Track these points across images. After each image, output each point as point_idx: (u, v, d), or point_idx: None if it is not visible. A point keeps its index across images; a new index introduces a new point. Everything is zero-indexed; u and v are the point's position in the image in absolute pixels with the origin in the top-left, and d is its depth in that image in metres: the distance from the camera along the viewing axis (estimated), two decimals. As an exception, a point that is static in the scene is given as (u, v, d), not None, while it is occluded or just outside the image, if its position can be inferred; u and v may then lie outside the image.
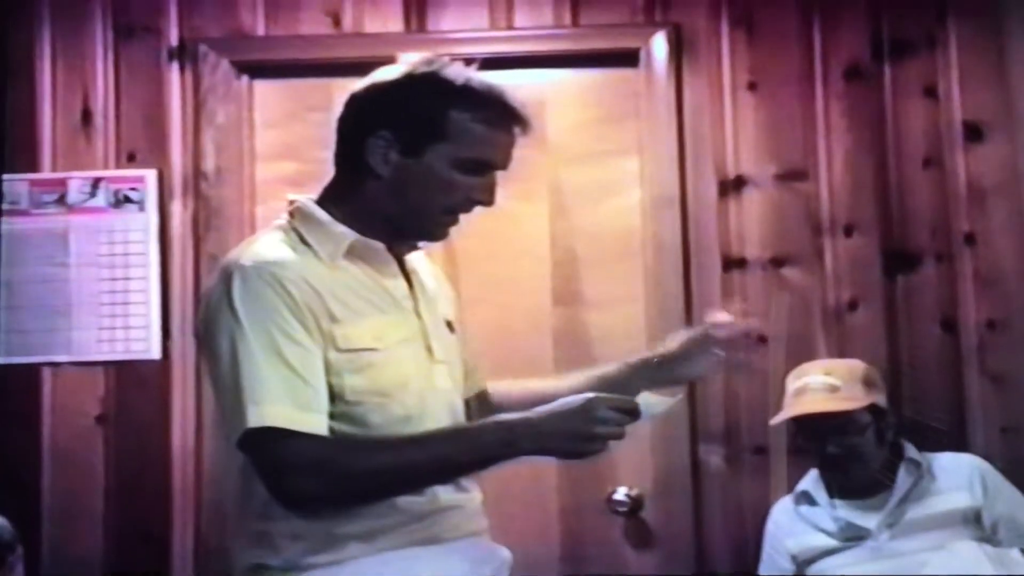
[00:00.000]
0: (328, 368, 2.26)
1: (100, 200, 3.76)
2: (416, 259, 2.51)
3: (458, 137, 2.33)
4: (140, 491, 3.70)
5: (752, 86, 3.81)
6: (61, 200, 3.76)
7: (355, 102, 2.39)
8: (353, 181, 2.39)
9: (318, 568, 2.25)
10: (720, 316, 2.60)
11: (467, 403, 2.57)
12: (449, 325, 2.53)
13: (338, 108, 2.42)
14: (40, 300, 3.72)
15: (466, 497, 2.42)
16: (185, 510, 3.68)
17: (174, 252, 3.76)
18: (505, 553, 2.46)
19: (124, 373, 3.74)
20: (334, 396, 2.27)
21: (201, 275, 3.72)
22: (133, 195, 3.76)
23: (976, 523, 3.31)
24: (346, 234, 2.35)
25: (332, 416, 2.26)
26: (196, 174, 3.77)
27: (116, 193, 3.76)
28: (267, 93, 3.86)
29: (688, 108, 3.79)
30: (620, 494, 3.68)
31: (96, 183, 3.77)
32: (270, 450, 2.20)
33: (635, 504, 3.69)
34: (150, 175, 3.77)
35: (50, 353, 3.72)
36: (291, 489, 2.22)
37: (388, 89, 2.37)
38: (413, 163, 2.33)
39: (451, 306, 2.60)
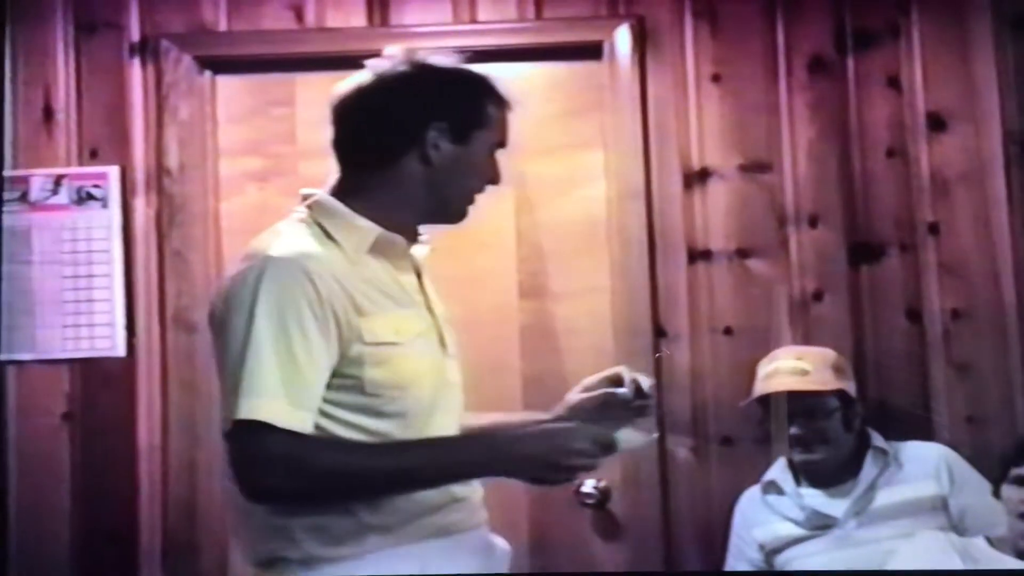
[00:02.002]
0: (352, 361, 2.30)
1: (63, 197, 3.74)
2: (422, 254, 2.54)
3: (491, 123, 2.48)
4: (107, 489, 3.69)
5: (716, 78, 3.81)
6: (23, 198, 3.73)
7: (397, 97, 2.44)
8: (382, 172, 2.43)
9: (338, 561, 2.29)
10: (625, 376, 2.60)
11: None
12: (448, 320, 2.57)
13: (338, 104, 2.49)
14: (3, 298, 3.69)
15: (471, 489, 2.46)
16: (152, 508, 3.67)
17: (137, 249, 3.74)
18: (505, 545, 2.54)
19: (89, 370, 3.72)
20: (354, 388, 2.31)
21: (165, 271, 3.71)
22: (96, 192, 3.74)
23: (943, 511, 3.33)
24: (371, 228, 2.39)
25: (350, 407, 2.31)
26: (159, 170, 3.75)
27: (79, 190, 3.74)
28: (230, 88, 3.85)
29: (652, 100, 3.79)
30: (588, 486, 3.68)
31: (58, 180, 3.75)
32: (249, 442, 2.23)
33: (603, 496, 3.69)
34: (113, 172, 3.75)
35: (14, 351, 3.70)
36: (257, 483, 2.25)
37: (435, 83, 2.45)
38: (461, 150, 2.44)
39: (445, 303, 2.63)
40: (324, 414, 2.30)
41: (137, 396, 3.70)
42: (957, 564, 3.06)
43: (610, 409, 2.56)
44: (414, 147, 2.42)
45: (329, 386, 2.30)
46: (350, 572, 2.29)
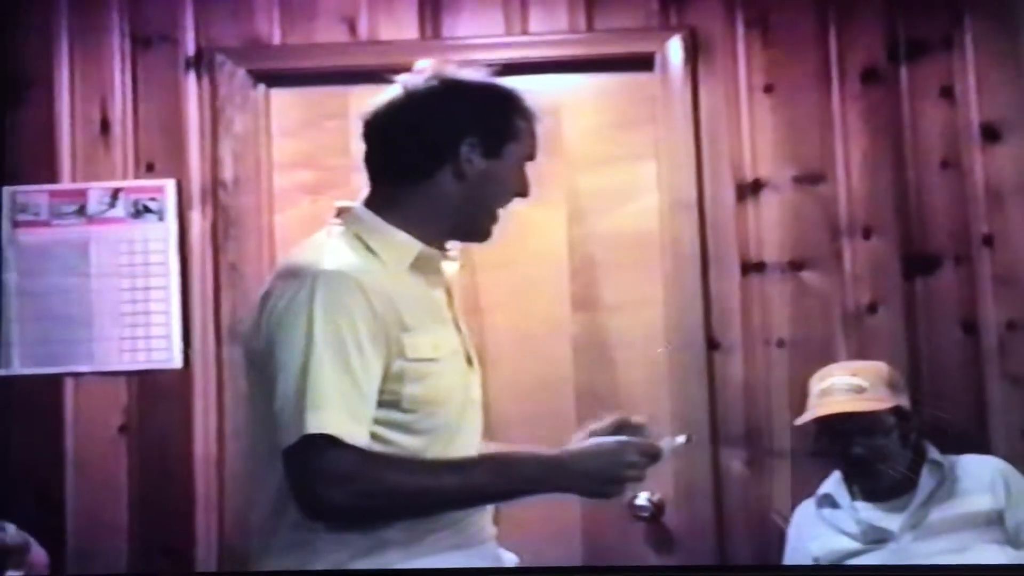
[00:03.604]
0: (393, 376, 2.30)
1: (119, 210, 3.77)
2: (451, 271, 2.55)
3: (521, 136, 2.48)
4: (163, 501, 3.71)
5: (768, 88, 3.80)
6: (81, 211, 3.77)
7: (430, 114, 2.44)
8: (415, 188, 2.43)
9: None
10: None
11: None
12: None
13: (385, 118, 2.47)
14: (61, 311, 3.73)
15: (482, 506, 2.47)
16: (208, 520, 3.69)
17: (193, 261, 3.77)
18: (514, 558, 2.58)
19: (146, 383, 3.75)
20: (392, 404, 2.31)
21: (221, 284, 3.74)
22: (152, 205, 3.77)
23: (999, 525, 3.30)
24: (412, 244, 2.40)
25: (385, 423, 2.30)
26: (214, 183, 3.78)
27: (135, 203, 3.77)
28: (284, 101, 3.87)
29: (704, 111, 3.78)
30: (642, 499, 3.67)
31: (115, 193, 3.78)
32: (312, 456, 2.22)
33: (657, 509, 3.69)
34: (169, 185, 3.78)
35: (72, 363, 3.73)
36: (322, 498, 2.24)
37: (466, 99, 2.45)
38: (495, 164, 2.45)
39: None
40: None
41: (193, 408, 3.72)
42: (1014, 579, 3.05)
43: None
44: (448, 163, 2.43)
45: None
46: None
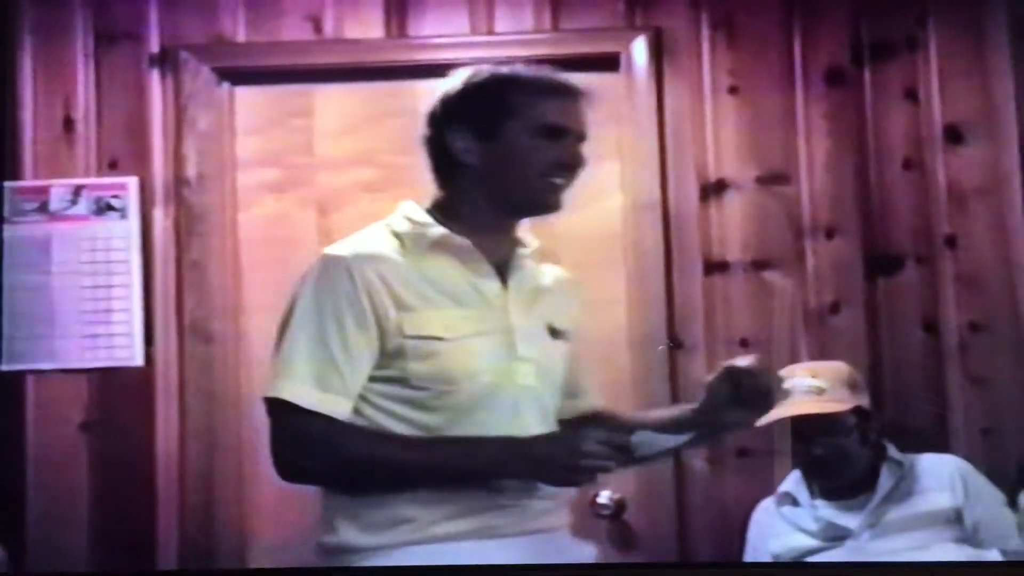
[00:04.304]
0: (392, 353, 2.41)
1: (82, 208, 3.76)
2: (530, 266, 2.61)
3: (524, 111, 2.51)
4: (124, 499, 3.70)
5: (733, 90, 3.81)
6: (43, 208, 3.76)
7: (431, 113, 2.57)
8: (450, 184, 2.56)
9: (370, 551, 2.39)
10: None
11: (570, 423, 2.65)
12: (553, 331, 2.60)
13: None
14: (23, 308, 3.71)
15: (530, 497, 2.46)
16: (170, 517, 3.68)
17: (156, 259, 3.76)
18: (584, 551, 2.61)
19: (108, 380, 3.74)
20: (399, 380, 2.42)
21: (183, 282, 3.73)
22: (115, 202, 3.76)
23: (958, 524, 3.32)
24: (431, 230, 2.49)
25: (398, 399, 2.42)
26: (178, 181, 3.77)
27: (98, 201, 3.76)
28: (248, 99, 3.86)
29: (669, 112, 3.79)
30: (603, 497, 3.68)
31: (78, 191, 3.77)
32: (282, 421, 2.40)
33: (618, 507, 3.69)
34: (132, 182, 3.77)
35: (33, 361, 3.72)
36: (288, 461, 2.40)
37: (454, 91, 2.55)
38: (495, 144, 2.51)
39: (564, 315, 2.66)
40: (374, 405, 2.43)
41: (155, 406, 3.71)
42: (972, 576, 3.06)
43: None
44: (449, 156, 2.53)
45: (376, 378, 2.42)
46: (380, 563, 2.38)
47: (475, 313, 2.48)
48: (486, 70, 2.57)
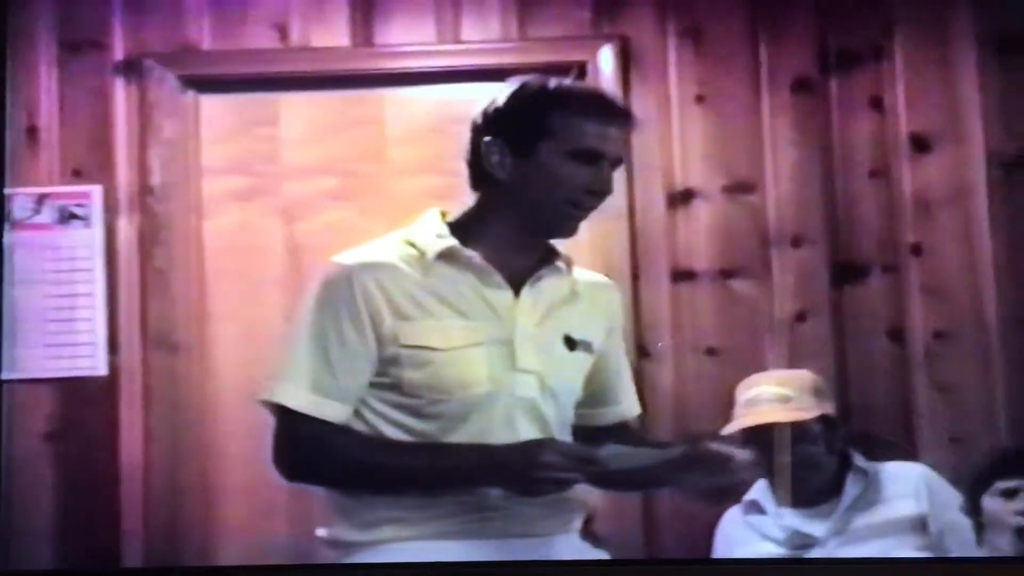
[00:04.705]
0: (388, 360, 2.43)
1: (45, 216, 3.74)
2: (556, 277, 2.57)
3: (562, 132, 2.46)
4: (89, 508, 3.68)
5: (700, 99, 3.82)
6: (5, 217, 3.73)
7: (473, 121, 2.54)
8: (480, 197, 2.54)
9: (357, 547, 2.43)
10: None
11: (605, 430, 2.66)
12: (570, 341, 2.56)
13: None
14: (-7, 316, 3.70)
15: (519, 502, 2.44)
16: (134, 527, 3.66)
17: (120, 268, 3.75)
18: (590, 557, 2.60)
19: (71, 390, 3.72)
20: (394, 387, 2.44)
21: (148, 290, 3.72)
22: (79, 211, 3.74)
23: (922, 531, 3.32)
24: (440, 242, 2.49)
25: (394, 405, 2.45)
26: (142, 189, 3.76)
27: (61, 209, 3.75)
28: (214, 107, 3.85)
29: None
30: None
31: (41, 199, 3.75)
32: (282, 424, 2.44)
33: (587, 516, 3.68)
34: (96, 191, 3.76)
35: (-5, 370, 3.70)
36: (286, 463, 2.46)
37: (495, 105, 2.52)
38: (527, 162, 2.47)
39: (591, 325, 2.62)
40: (374, 411, 2.45)
41: (119, 415, 3.70)
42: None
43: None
44: (482, 166, 2.50)
45: (376, 384, 2.45)
46: (367, 559, 2.42)
47: (478, 325, 2.47)
48: (535, 83, 2.52)
